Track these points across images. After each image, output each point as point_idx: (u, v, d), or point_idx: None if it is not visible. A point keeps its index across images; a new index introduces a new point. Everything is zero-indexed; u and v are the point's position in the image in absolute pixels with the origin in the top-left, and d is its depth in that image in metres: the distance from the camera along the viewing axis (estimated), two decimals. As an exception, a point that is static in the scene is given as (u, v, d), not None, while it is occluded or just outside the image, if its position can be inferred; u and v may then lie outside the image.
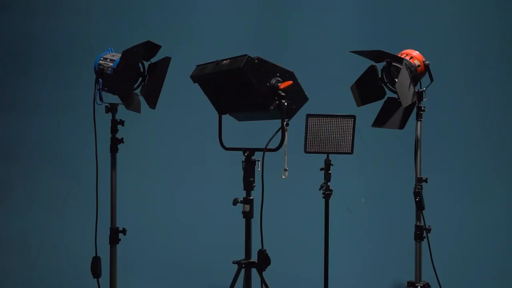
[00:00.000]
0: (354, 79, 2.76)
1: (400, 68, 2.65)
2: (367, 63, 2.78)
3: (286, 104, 2.36)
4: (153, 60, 2.48)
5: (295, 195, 3.80)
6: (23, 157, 3.74)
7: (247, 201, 2.63)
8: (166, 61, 2.45)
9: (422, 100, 2.68)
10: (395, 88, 2.74)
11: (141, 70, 2.50)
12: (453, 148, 4.06)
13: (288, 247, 3.73)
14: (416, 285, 2.73)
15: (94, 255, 2.54)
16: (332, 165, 2.96)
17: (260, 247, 2.47)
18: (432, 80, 2.67)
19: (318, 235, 3.14)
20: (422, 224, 2.70)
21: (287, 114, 2.39)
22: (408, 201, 2.74)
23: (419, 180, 2.69)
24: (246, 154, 2.62)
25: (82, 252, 2.84)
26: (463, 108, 4.05)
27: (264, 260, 2.48)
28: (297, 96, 2.45)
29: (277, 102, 2.36)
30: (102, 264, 2.55)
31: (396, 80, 2.71)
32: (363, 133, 3.05)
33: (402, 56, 2.67)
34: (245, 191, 2.64)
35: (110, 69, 2.44)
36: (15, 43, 3.77)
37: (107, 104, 2.52)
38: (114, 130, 2.54)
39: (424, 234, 2.70)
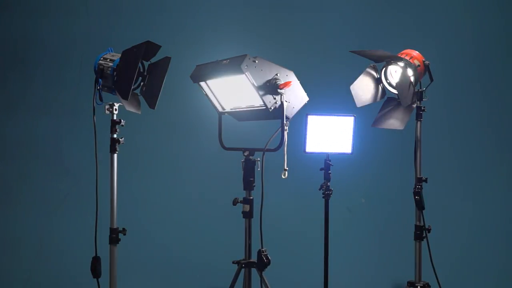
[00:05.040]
0: (354, 79, 2.76)
1: (400, 68, 2.65)
2: (367, 63, 2.78)
3: (286, 104, 2.36)
4: (153, 60, 2.48)
5: (295, 195, 3.80)
6: (23, 157, 3.74)
7: (247, 201, 2.64)
8: (166, 61, 2.45)
9: (422, 100, 2.68)
10: (395, 88, 2.75)
11: (141, 70, 2.50)
12: (453, 148, 4.06)
13: (288, 247, 3.73)
14: (416, 285, 2.73)
15: (94, 255, 2.54)
16: (332, 165, 2.96)
17: (260, 247, 2.47)
18: (432, 80, 2.67)
19: (318, 235, 3.14)
20: (422, 224, 2.70)
21: (287, 114, 2.39)
22: (408, 201, 2.74)
23: (419, 180, 2.69)
24: (246, 154, 2.63)
25: (82, 252, 2.84)
26: (463, 108, 4.05)
27: (263, 260, 2.48)
28: (297, 96, 2.45)
29: (277, 102, 2.36)
30: (102, 264, 2.55)
31: (396, 80, 2.72)
32: (363, 133, 3.04)
33: (402, 56, 2.67)
34: (245, 191, 2.65)
35: (110, 69, 2.44)
36: (15, 43, 3.77)
37: (107, 104, 2.52)
38: (113, 130, 2.54)
39: (424, 234, 2.70)
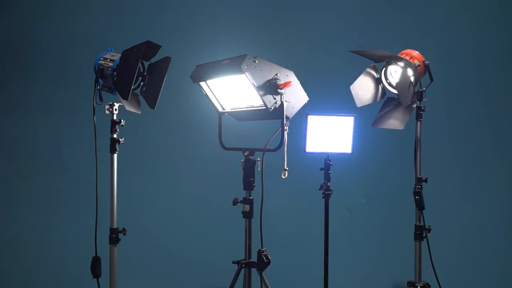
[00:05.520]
0: (354, 79, 2.76)
1: (400, 68, 2.65)
2: (367, 63, 2.78)
3: (286, 104, 2.36)
4: (153, 60, 2.48)
5: (295, 195, 3.80)
6: (23, 157, 3.74)
7: (247, 201, 2.64)
8: (166, 61, 2.45)
9: (422, 100, 2.68)
10: (395, 88, 2.75)
11: (141, 70, 2.50)
12: (453, 148, 4.06)
13: (288, 247, 3.73)
14: (416, 285, 2.73)
15: (94, 255, 2.54)
16: (332, 165, 2.96)
17: (260, 247, 2.47)
18: (432, 80, 2.67)
19: (318, 235, 3.14)
20: (422, 224, 2.70)
21: (287, 114, 2.39)
22: (408, 201, 2.74)
23: (419, 180, 2.69)
24: (246, 154, 2.63)
25: (82, 252, 2.84)
26: (463, 108, 4.05)
27: (263, 260, 2.48)
28: (297, 96, 2.45)
29: (277, 102, 2.36)
30: (102, 264, 2.55)
31: (396, 80, 2.72)
32: (363, 133, 3.05)
33: (402, 56, 2.66)
34: (245, 191, 2.65)
35: (110, 69, 2.44)
36: (15, 43, 3.77)
37: (107, 104, 2.52)
38: (113, 130, 2.54)
39: (424, 234, 2.70)
